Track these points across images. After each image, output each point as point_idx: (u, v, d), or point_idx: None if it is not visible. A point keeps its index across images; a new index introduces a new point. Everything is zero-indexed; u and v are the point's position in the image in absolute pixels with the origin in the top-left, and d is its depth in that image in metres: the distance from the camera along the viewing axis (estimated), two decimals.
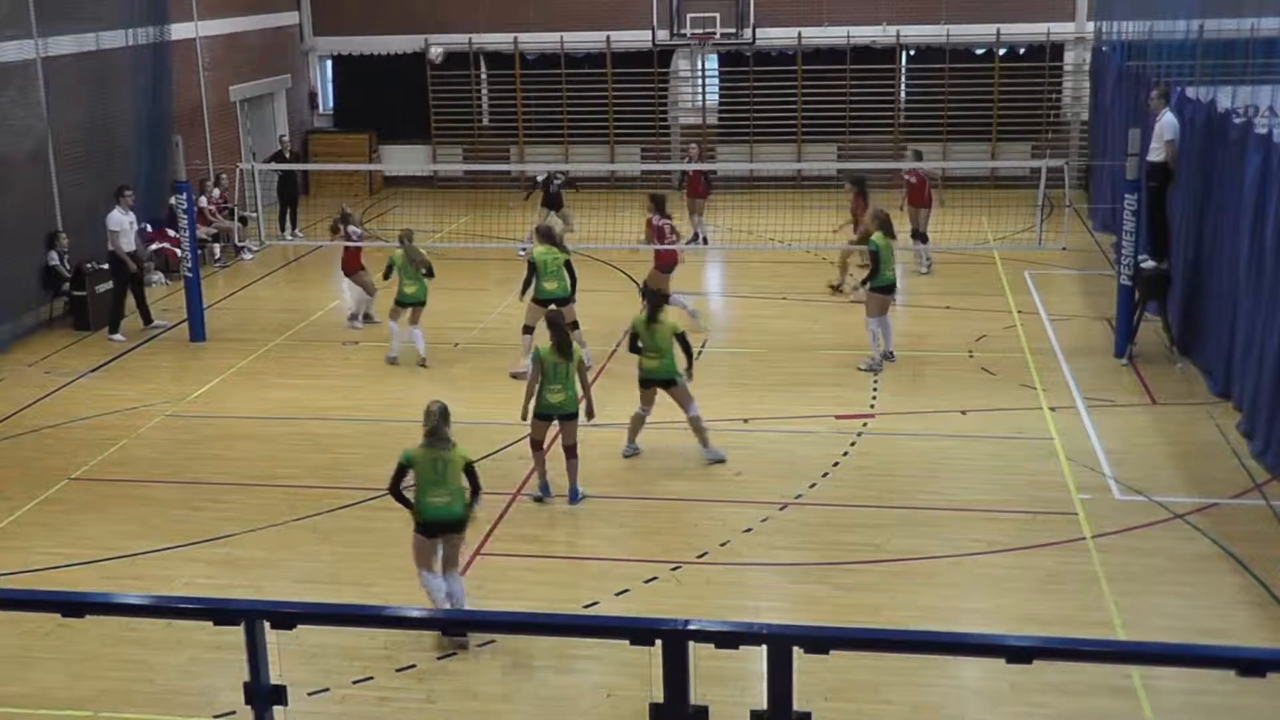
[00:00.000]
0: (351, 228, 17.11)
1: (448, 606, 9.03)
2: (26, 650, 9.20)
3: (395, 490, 9.19)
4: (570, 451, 11.55)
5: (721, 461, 12.28)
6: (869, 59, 25.71)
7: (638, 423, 12.50)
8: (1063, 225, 19.69)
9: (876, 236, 14.71)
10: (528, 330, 14.69)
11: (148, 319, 17.40)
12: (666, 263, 16.27)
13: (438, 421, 9.16)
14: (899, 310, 17.68)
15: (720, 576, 10.26)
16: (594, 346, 15.64)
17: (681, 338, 12.05)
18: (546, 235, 14.94)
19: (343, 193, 25.90)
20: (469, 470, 9.15)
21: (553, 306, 13.91)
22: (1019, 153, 25.23)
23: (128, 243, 17.06)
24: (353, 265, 17.14)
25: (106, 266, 17.33)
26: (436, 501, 9.10)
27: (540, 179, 20.89)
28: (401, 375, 15.33)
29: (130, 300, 17.25)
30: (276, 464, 12.64)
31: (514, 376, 14.56)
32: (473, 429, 13.24)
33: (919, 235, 19.02)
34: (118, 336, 16.88)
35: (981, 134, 25.66)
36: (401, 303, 15.54)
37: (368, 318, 17.28)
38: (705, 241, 21.10)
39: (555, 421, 11.50)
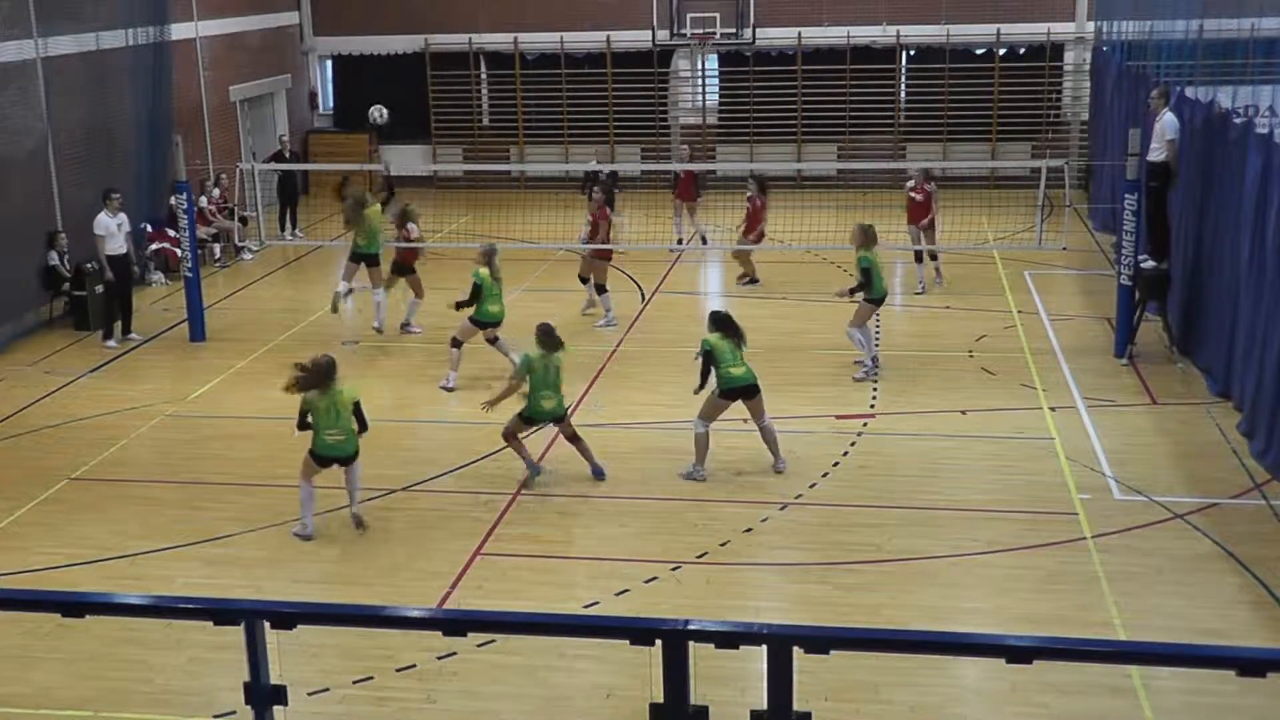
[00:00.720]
0: (411, 225, 16.40)
1: (312, 507, 10.91)
2: (26, 650, 9.20)
3: (301, 427, 10.85)
4: (574, 438, 11.86)
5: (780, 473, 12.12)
6: (869, 59, 25.71)
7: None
8: (1063, 225, 19.69)
9: (866, 253, 14.30)
10: (455, 344, 14.48)
11: (126, 330, 16.86)
12: (602, 255, 17.03)
13: (327, 374, 10.69)
14: (899, 310, 17.72)
15: (720, 576, 10.26)
16: (586, 347, 15.66)
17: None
18: (490, 256, 14.41)
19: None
20: (356, 409, 10.73)
21: (491, 331, 14.50)
22: (1019, 153, 25.24)
23: (115, 246, 16.64)
24: (408, 262, 16.51)
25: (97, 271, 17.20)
26: (331, 439, 10.74)
27: (600, 175, 20.24)
28: (401, 375, 15.32)
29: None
30: (276, 464, 12.63)
31: (442, 388, 14.58)
32: (473, 429, 13.26)
33: (930, 254, 18.29)
34: (110, 343, 16.62)
35: (981, 134, 25.67)
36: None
37: (406, 326, 16.67)
38: (705, 241, 21.12)
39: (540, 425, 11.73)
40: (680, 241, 21.03)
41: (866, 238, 14.42)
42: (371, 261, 16.57)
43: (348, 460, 10.90)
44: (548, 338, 11.65)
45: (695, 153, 23.36)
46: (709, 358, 11.75)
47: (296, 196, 22.97)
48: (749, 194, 18.66)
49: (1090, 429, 12.96)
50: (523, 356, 11.73)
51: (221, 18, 23.74)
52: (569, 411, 12.11)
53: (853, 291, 14.50)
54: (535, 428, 12.10)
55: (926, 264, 18.35)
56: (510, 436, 11.86)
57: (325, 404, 10.67)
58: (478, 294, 14.21)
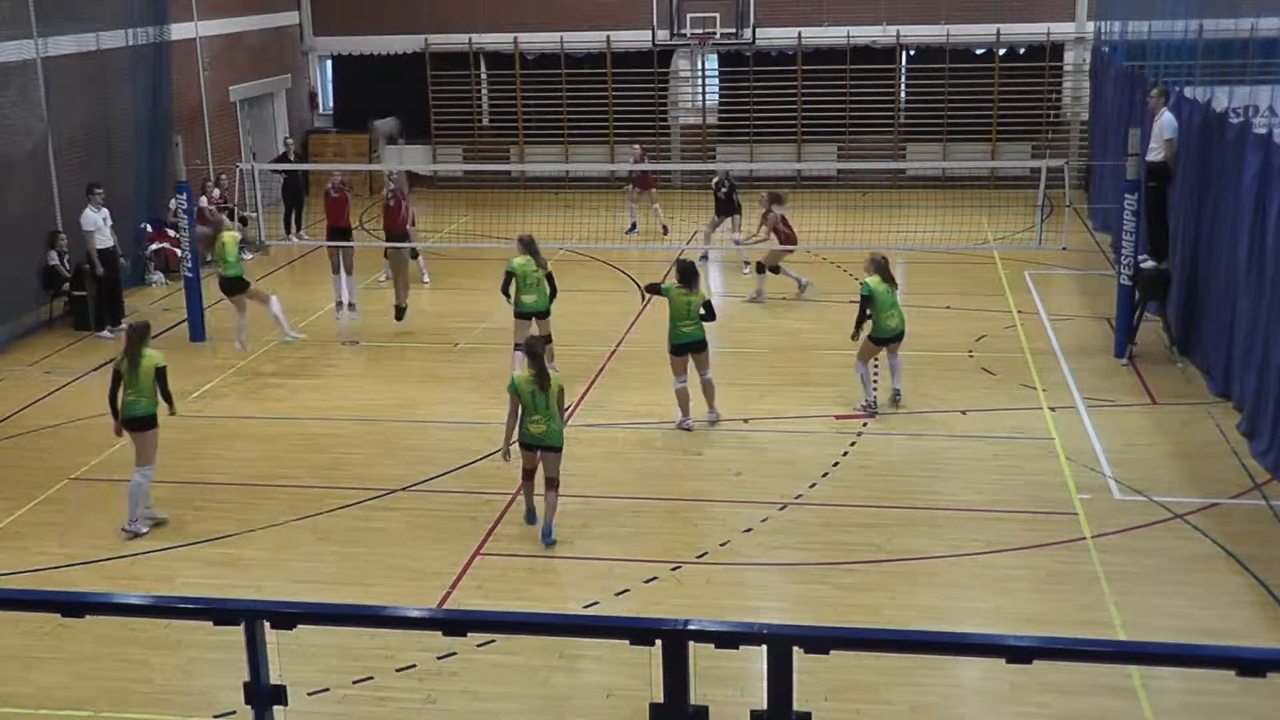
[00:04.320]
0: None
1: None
2: (26, 650, 9.20)
3: (112, 397, 11.16)
4: (550, 484, 10.73)
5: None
6: (869, 59, 25.71)
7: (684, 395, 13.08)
8: (1063, 225, 19.68)
9: (870, 281, 13.33)
10: (518, 348, 13.80)
11: (117, 321, 17.00)
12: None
13: (138, 341, 11.10)
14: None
15: (720, 576, 10.26)
16: (594, 348, 15.66)
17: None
18: (528, 245, 14.27)
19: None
20: (159, 376, 11.07)
21: (533, 327, 13.96)
22: (1019, 153, 25.23)
23: (103, 240, 17.05)
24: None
25: (88, 267, 17.26)
26: (128, 399, 11.10)
27: (713, 182, 20.03)
28: (401, 375, 15.33)
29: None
30: (276, 464, 12.64)
31: None
32: (473, 429, 13.27)
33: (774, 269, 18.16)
34: (105, 333, 16.93)
35: (981, 134, 25.66)
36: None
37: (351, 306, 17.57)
38: (666, 230, 21.70)
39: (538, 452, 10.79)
40: (633, 227, 21.71)
41: (878, 267, 13.44)
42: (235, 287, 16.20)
43: (135, 425, 11.10)
44: (536, 364, 10.70)
45: (645, 154, 23.29)
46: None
47: (302, 198, 22.97)
48: (764, 210, 17.96)
49: (1090, 429, 12.96)
50: (510, 381, 10.86)
51: (221, 18, 23.73)
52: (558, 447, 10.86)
53: (857, 326, 13.49)
54: (534, 455, 10.82)
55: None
56: (527, 476, 11.01)
57: (129, 367, 11.07)
58: (507, 281, 14.16)
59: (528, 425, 10.64)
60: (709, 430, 13.09)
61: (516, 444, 10.85)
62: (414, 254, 18.56)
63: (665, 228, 21.88)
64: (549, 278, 14.25)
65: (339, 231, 17.79)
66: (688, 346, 13.04)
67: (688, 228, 22.06)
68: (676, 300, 12.99)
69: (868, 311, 13.31)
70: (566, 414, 11.80)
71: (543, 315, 14.21)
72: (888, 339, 13.47)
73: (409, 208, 17.56)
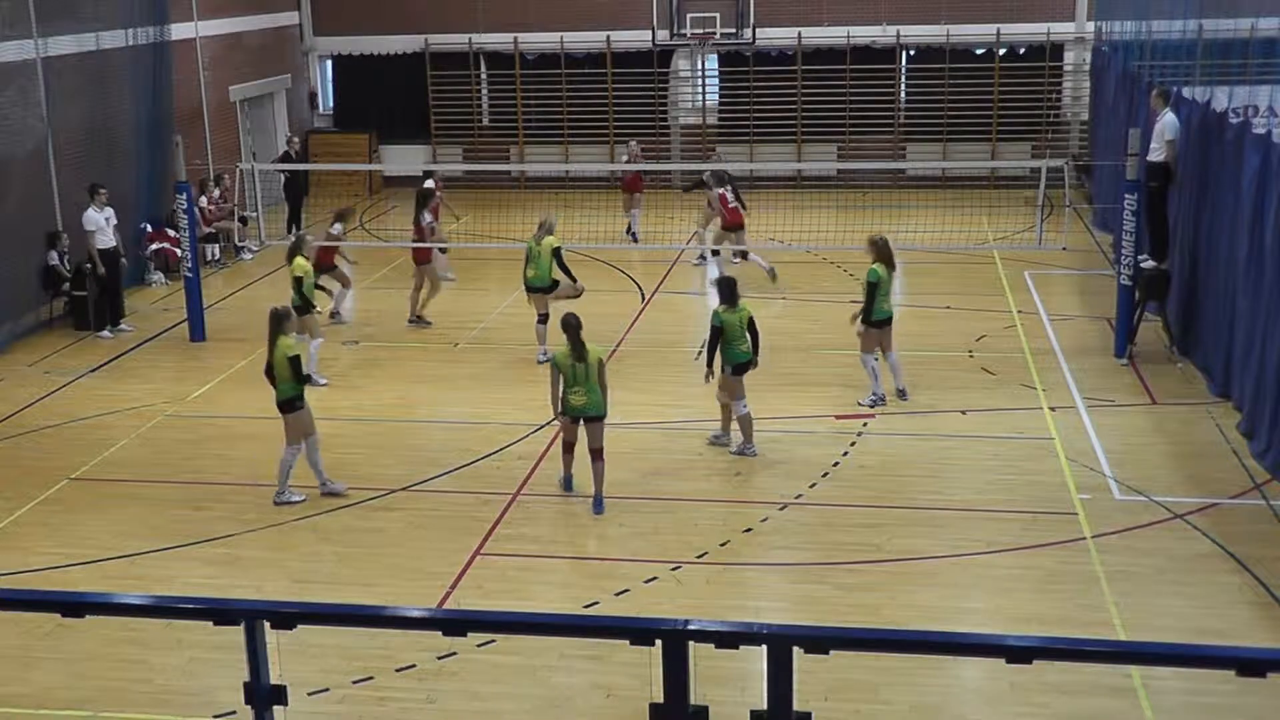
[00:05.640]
0: (337, 225, 17.22)
1: None
2: (26, 650, 9.20)
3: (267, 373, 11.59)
4: (596, 455, 11.38)
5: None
6: (869, 59, 25.71)
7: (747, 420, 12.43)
8: (1063, 225, 19.69)
9: (877, 267, 13.36)
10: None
11: (116, 321, 17.22)
12: None
13: (273, 327, 11.40)
14: (899, 310, 17.68)
15: (720, 576, 10.26)
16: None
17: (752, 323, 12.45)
18: (547, 230, 15.34)
19: (343, 193, 25.92)
20: (291, 363, 11.29)
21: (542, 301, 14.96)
22: (1019, 153, 25.23)
23: (104, 240, 17.09)
24: (327, 260, 17.03)
25: (89, 267, 17.27)
26: (277, 385, 11.47)
27: (704, 177, 19.94)
28: (401, 375, 15.33)
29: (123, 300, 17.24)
30: (276, 464, 12.63)
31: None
32: (473, 429, 13.28)
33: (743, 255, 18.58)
34: (105, 334, 16.95)
35: (981, 134, 25.66)
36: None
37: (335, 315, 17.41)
38: (635, 239, 21.47)
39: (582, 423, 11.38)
40: (635, 239, 21.50)
41: (880, 251, 13.43)
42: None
43: (279, 408, 11.51)
44: (571, 337, 11.27)
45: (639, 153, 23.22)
46: None
47: (303, 198, 22.97)
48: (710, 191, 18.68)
49: (1090, 429, 12.96)
50: (551, 355, 11.99)
51: (221, 18, 23.73)
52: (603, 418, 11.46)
53: (855, 316, 13.63)
54: (575, 426, 11.46)
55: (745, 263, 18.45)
56: (567, 448, 11.62)
57: (268, 352, 11.46)
58: (526, 258, 15.29)
59: (569, 397, 11.28)
60: (709, 431, 13.05)
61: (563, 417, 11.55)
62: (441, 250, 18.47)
63: (635, 236, 21.43)
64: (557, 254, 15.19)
65: (327, 268, 17.22)
66: (745, 366, 12.38)
67: (687, 227, 22.04)
68: (728, 321, 12.25)
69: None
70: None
71: (541, 291, 15.25)
72: (884, 321, 13.50)
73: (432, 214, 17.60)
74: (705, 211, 19.14)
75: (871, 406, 13.60)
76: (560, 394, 11.37)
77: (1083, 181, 23.77)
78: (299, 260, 14.92)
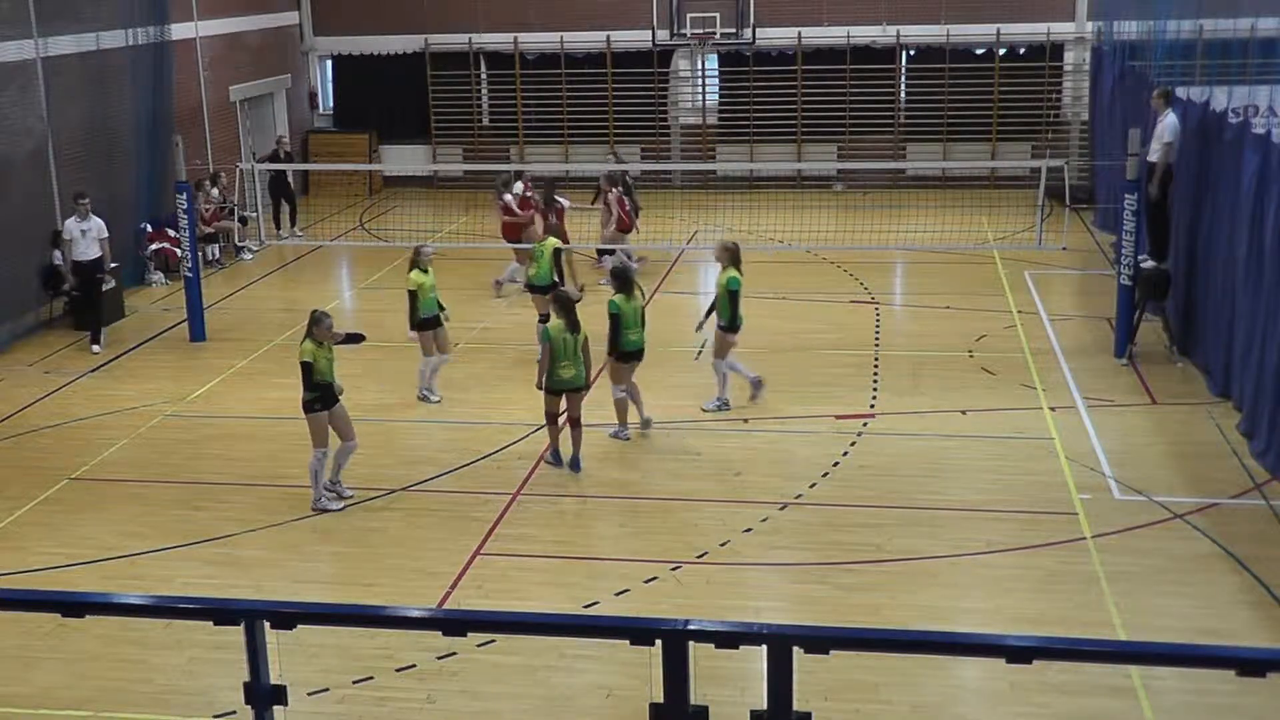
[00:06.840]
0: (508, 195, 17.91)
1: None
2: (26, 650, 9.20)
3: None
4: (575, 423, 12.14)
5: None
6: (869, 59, 25.70)
7: (623, 405, 12.98)
8: (1063, 225, 19.69)
9: (733, 274, 13.30)
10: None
11: (95, 339, 16.39)
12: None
13: (308, 329, 11.41)
14: (899, 310, 17.73)
15: (720, 576, 10.26)
16: (592, 348, 15.60)
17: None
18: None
19: (343, 193, 25.95)
20: (303, 367, 11.35)
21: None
22: (1019, 153, 25.23)
23: (80, 251, 16.48)
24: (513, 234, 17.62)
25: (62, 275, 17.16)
26: None
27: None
28: (401, 375, 15.31)
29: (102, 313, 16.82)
30: (276, 464, 12.64)
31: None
32: (473, 429, 13.28)
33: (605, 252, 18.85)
34: (95, 348, 16.33)
35: (981, 134, 25.66)
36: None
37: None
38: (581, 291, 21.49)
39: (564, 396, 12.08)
40: (641, 260, 21.33)
41: (733, 257, 13.44)
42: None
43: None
44: (566, 310, 12.01)
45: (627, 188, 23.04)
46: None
47: (294, 197, 22.96)
48: (605, 190, 18.98)
49: (1090, 429, 12.96)
50: (543, 330, 12.28)
51: (221, 18, 23.72)
52: (588, 385, 12.41)
53: (706, 316, 13.77)
54: (559, 399, 12.11)
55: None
56: (551, 420, 12.22)
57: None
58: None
59: (558, 371, 11.92)
60: (709, 431, 13.07)
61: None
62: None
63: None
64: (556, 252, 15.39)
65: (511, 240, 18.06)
66: (634, 355, 12.90)
67: (688, 227, 22.05)
68: (624, 310, 12.75)
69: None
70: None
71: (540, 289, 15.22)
72: (738, 329, 13.51)
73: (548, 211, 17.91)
74: (602, 212, 19.29)
75: (716, 410, 13.58)
76: (549, 367, 11.91)
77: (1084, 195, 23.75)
78: (412, 274, 13.89)
